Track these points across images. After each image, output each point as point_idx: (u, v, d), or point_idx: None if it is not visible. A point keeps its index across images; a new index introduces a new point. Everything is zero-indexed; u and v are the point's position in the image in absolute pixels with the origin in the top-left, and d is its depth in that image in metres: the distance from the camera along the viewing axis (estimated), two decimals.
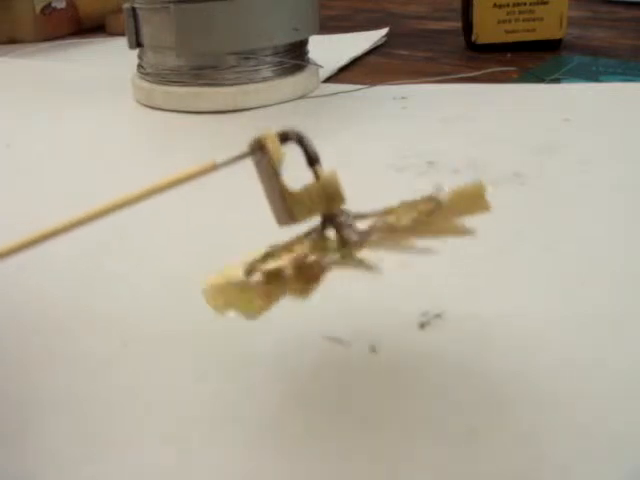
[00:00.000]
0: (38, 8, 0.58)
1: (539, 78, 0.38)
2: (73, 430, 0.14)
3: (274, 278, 0.13)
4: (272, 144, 0.13)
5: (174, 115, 0.35)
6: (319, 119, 0.34)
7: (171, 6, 0.34)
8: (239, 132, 0.32)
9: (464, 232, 0.13)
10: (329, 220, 0.14)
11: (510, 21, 0.45)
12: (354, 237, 0.14)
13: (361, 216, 0.14)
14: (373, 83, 0.38)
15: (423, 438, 0.13)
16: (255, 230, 0.17)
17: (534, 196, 0.24)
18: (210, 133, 0.32)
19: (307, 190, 0.13)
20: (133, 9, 0.36)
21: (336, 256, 0.13)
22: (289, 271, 0.13)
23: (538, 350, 0.16)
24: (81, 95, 0.40)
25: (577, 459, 0.13)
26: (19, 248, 0.12)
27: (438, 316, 0.17)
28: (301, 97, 0.37)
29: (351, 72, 0.43)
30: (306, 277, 0.13)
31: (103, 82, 0.43)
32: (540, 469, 0.13)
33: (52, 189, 0.26)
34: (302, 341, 0.16)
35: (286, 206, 0.13)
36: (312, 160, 0.14)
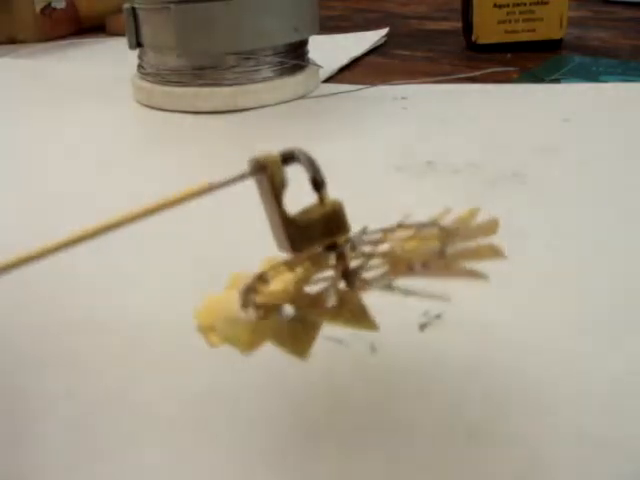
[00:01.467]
0: (38, 8, 0.58)
1: (539, 78, 0.38)
2: (73, 430, 0.14)
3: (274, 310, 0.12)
4: (274, 167, 0.12)
5: (174, 115, 0.35)
6: (319, 119, 0.34)
7: (171, 6, 0.34)
8: (239, 132, 0.32)
9: (477, 275, 0.12)
10: (332, 249, 0.13)
11: (510, 21, 0.45)
12: (358, 278, 0.13)
13: (366, 243, 0.14)
14: (373, 83, 0.38)
15: (423, 438, 0.13)
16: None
17: (534, 196, 0.24)
18: (210, 133, 0.32)
19: (309, 218, 0.13)
20: (133, 9, 0.36)
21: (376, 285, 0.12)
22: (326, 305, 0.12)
23: (538, 351, 0.16)
24: (81, 95, 0.40)
25: (577, 460, 0.13)
26: (21, 262, 0.12)
27: (438, 316, 0.17)
28: (301, 97, 0.37)
29: (351, 72, 0.43)
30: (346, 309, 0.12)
31: (103, 82, 0.43)
32: (540, 470, 0.13)
33: (52, 189, 0.26)
34: None
35: (287, 235, 0.12)
36: (318, 184, 0.13)
